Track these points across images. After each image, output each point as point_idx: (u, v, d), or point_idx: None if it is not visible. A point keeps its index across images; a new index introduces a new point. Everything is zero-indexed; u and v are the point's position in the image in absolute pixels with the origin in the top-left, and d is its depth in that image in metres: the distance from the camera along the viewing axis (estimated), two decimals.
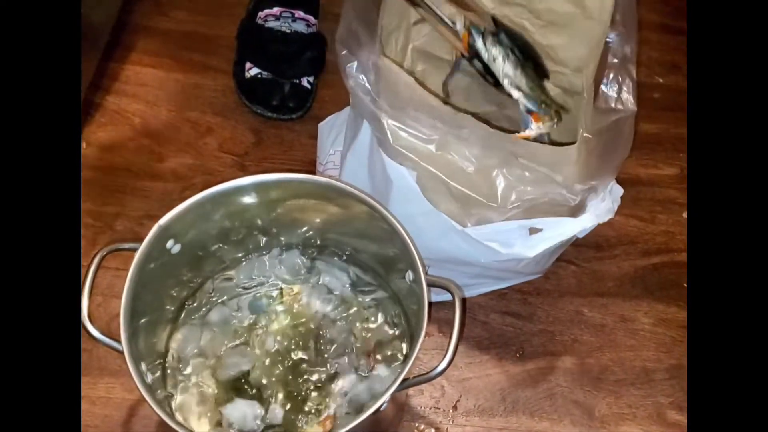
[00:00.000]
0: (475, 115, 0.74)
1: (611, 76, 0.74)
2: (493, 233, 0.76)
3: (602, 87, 0.75)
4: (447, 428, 0.88)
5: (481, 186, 0.73)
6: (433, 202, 0.76)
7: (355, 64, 0.74)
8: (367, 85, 0.74)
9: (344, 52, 0.75)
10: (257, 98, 1.07)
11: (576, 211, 0.78)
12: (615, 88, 0.75)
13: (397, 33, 0.83)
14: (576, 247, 0.97)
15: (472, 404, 0.90)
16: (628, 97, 0.74)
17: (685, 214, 1.05)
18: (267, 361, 0.79)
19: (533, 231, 0.77)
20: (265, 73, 1.07)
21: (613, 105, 0.75)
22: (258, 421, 0.75)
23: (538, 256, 0.78)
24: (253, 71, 1.08)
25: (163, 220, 0.72)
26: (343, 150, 0.90)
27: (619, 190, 0.80)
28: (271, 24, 1.09)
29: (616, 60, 0.75)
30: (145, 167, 1.03)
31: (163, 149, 1.04)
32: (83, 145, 1.03)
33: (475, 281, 0.89)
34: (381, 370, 0.79)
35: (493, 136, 0.73)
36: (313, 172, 0.99)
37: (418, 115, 0.73)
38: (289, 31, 1.09)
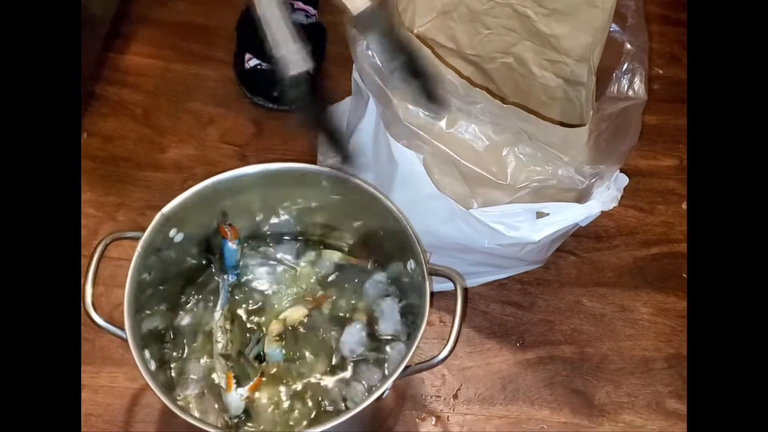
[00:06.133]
0: (489, 92, 0.74)
1: (625, 65, 0.75)
2: (500, 215, 0.76)
3: (615, 75, 0.75)
4: (448, 416, 0.89)
5: (490, 164, 0.74)
6: (439, 185, 0.76)
7: (365, 42, 0.74)
8: (377, 62, 0.74)
9: (354, 32, 0.75)
10: (258, 89, 1.08)
11: (581, 197, 0.78)
12: (627, 77, 0.75)
13: (403, 16, 0.83)
14: (576, 237, 0.97)
15: (472, 393, 0.90)
16: (639, 86, 0.75)
17: (684, 205, 1.05)
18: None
19: (539, 215, 0.77)
20: (264, 64, 1.07)
21: (624, 93, 0.75)
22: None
23: (541, 243, 0.78)
24: (252, 62, 1.08)
25: (166, 209, 0.72)
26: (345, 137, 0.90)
27: (624, 180, 0.81)
28: None
29: (629, 49, 0.75)
30: (146, 158, 1.03)
31: (164, 140, 1.05)
32: (84, 135, 1.04)
33: (476, 269, 0.90)
34: (376, 371, 0.79)
35: (505, 112, 0.73)
36: (315, 163, 0.99)
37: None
38: None
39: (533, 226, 0.77)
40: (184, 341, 0.80)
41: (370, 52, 0.74)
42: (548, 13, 0.83)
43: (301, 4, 1.10)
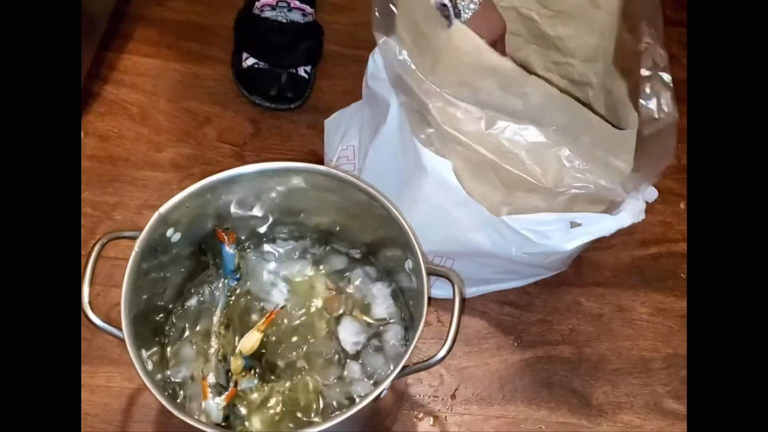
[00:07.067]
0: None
1: (647, 88, 0.73)
2: (532, 223, 0.75)
3: (641, 101, 0.73)
4: (445, 416, 0.89)
5: (530, 167, 0.73)
6: (470, 192, 0.75)
7: (397, 48, 0.73)
8: (413, 66, 0.73)
9: (383, 40, 0.74)
10: (255, 88, 1.07)
11: (611, 208, 0.78)
12: (654, 101, 0.73)
13: None
14: None
15: (470, 393, 0.90)
16: (667, 104, 0.73)
17: (682, 205, 1.05)
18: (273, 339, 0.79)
19: (572, 225, 0.76)
20: (261, 63, 1.07)
21: (653, 116, 0.73)
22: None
23: (569, 252, 0.78)
24: (249, 61, 1.08)
25: (163, 209, 0.72)
26: (361, 144, 0.89)
27: (654, 192, 0.80)
28: (268, 14, 1.09)
29: (649, 68, 0.74)
30: (143, 157, 1.03)
31: (161, 139, 1.04)
32: (81, 134, 1.03)
33: (495, 277, 0.89)
34: (379, 357, 0.79)
35: (557, 104, 0.71)
36: (312, 163, 0.99)
37: (478, 85, 0.70)
38: (285, 21, 1.09)
39: (566, 235, 0.76)
40: (183, 329, 0.80)
41: (402, 57, 0.73)
42: (553, 15, 0.83)
43: (297, 3, 1.10)
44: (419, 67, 0.72)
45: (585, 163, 0.72)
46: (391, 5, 0.74)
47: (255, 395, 0.76)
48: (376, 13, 0.74)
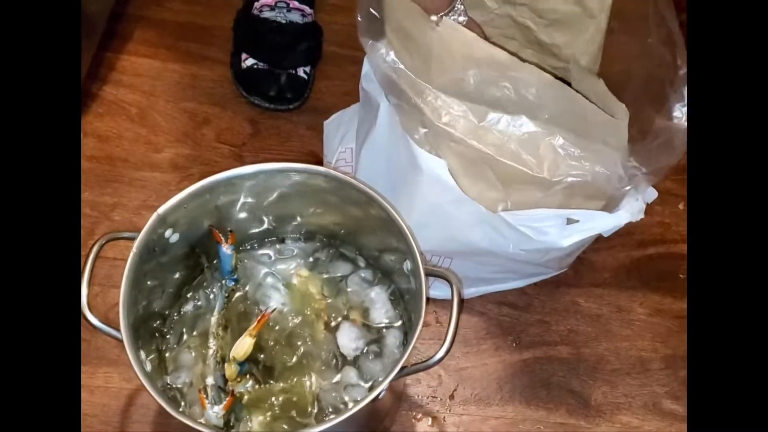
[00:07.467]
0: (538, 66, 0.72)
1: (670, 98, 0.73)
2: (529, 219, 0.75)
3: (667, 94, 0.73)
4: (444, 417, 0.89)
5: (525, 158, 0.72)
6: (466, 189, 0.75)
7: (383, 49, 0.73)
8: (402, 66, 0.73)
9: (370, 42, 0.74)
10: (254, 89, 1.07)
11: (610, 206, 0.77)
12: (680, 102, 0.73)
13: None
14: None
15: (469, 393, 0.90)
16: (682, 105, 0.72)
17: (680, 206, 1.05)
18: (271, 342, 0.79)
19: (569, 222, 0.76)
20: (260, 64, 1.07)
21: (667, 114, 0.73)
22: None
23: (567, 249, 0.78)
24: (249, 62, 1.08)
25: (162, 209, 0.72)
26: (356, 146, 0.90)
27: (653, 193, 0.80)
28: (267, 14, 1.09)
29: (671, 82, 0.73)
30: (142, 157, 1.03)
31: (160, 140, 1.04)
32: None
33: (496, 276, 0.89)
34: (377, 363, 0.79)
35: (552, 91, 0.71)
36: (311, 164, 0.99)
37: (471, 78, 0.70)
38: (284, 22, 1.09)
39: (562, 231, 0.76)
40: (181, 334, 0.80)
41: (390, 57, 0.73)
42: (548, 24, 0.83)
43: (297, 4, 1.10)
44: (409, 67, 0.73)
45: (580, 150, 0.72)
46: (371, 10, 0.74)
47: (253, 397, 0.76)
48: (360, 19, 0.74)
